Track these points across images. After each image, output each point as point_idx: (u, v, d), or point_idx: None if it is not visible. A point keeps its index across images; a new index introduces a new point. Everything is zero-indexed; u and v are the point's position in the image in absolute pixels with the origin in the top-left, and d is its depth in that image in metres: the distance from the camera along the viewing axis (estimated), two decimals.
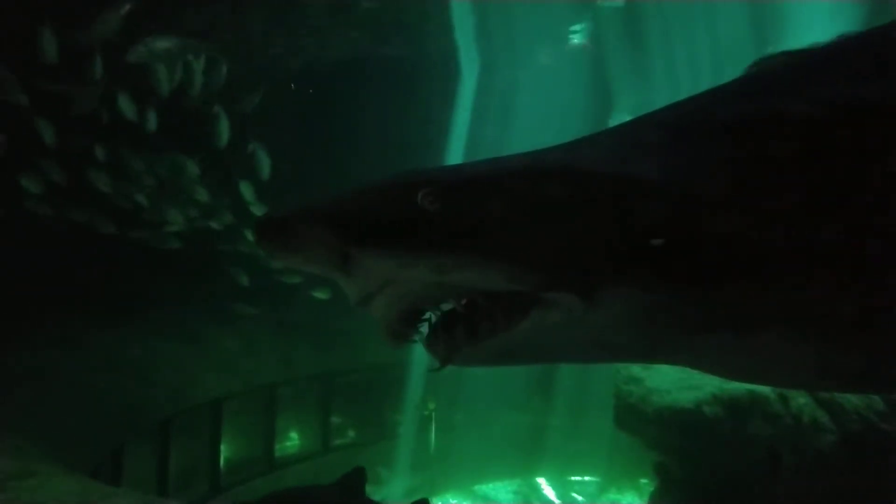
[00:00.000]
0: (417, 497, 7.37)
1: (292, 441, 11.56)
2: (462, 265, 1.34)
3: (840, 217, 1.26)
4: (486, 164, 1.57)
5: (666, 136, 1.46)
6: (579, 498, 12.62)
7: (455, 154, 13.09)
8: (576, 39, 14.22)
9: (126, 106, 7.38)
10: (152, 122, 7.63)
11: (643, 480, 11.47)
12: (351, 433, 12.11)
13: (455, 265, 1.34)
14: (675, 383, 7.28)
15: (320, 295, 9.76)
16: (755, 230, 1.29)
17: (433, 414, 12.53)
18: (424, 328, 1.51)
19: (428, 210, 1.37)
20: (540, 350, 1.50)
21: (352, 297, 1.51)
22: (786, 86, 1.48)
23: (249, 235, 9.21)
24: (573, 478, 13.19)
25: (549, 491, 13.04)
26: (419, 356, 10.53)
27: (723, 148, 1.36)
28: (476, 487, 12.97)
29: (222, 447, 9.70)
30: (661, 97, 14.51)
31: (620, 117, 14.79)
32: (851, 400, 6.20)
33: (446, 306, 1.47)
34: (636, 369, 7.81)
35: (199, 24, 8.05)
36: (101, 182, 7.61)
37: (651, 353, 1.58)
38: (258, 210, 8.96)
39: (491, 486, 13.08)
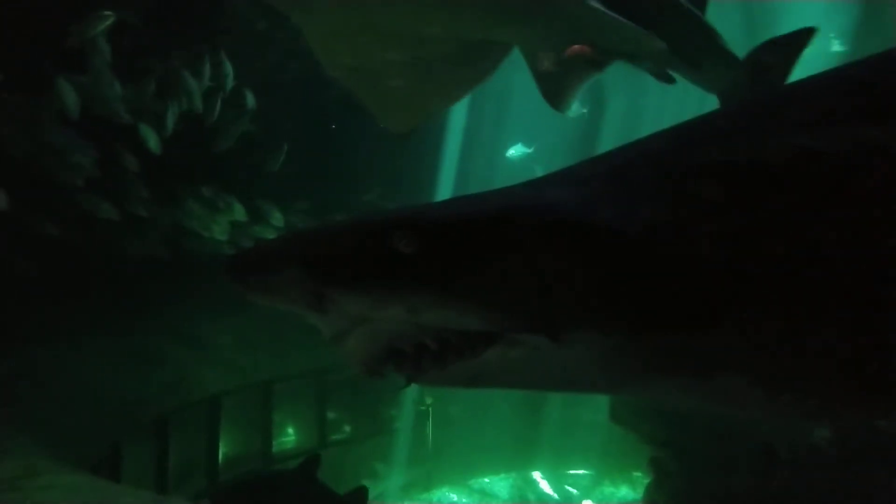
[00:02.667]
0: (415, 491, 7.57)
1: (289, 437, 11.58)
2: (435, 307, 1.38)
3: (791, 262, 1.31)
4: (460, 205, 1.60)
5: (632, 180, 1.50)
6: (574, 491, 12.75)
7: (451, 154, 13.13)
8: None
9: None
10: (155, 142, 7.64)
11: (636, 473, 11.60)
12: (347, 428, 12.15)
13: (428, 307, 1.38)
14: None
15: None
16: (710, 279, 1.34)
17: (430, 409, 12.61)
18: (397, 363, 1.52)
19: (402, 253, 1.40)
20: (504, 378, 1.54)
21: (325, 333, 1.54)
22: (739, 131, 1.52)
23: (249, 237, 9.29)
24: (568, 471, 13.32)
25: (544, 484, 13.16)
26: None
27: (688, 196, 1.41)
28: (472, 481, 13.07)
29: (220, 443, 9.73)
30: (652, 100, 14.63)
31: (612, 119, 14.89)
32: None
33: (419, 343, 1.49)
34: None
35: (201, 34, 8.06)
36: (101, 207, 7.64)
37: (616, 389, 1.64)
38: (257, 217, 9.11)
39: (487, 479, 13.18)
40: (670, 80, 5.20)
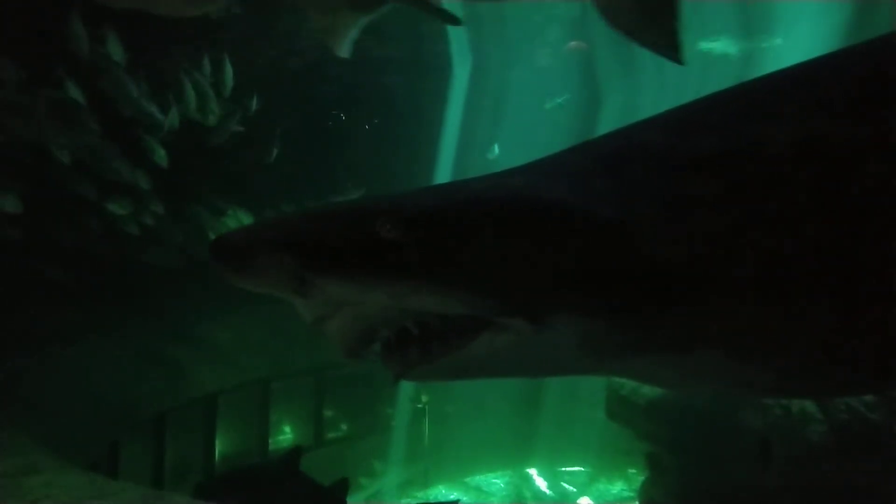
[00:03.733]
0: (412, 488, 7.69)
1: (286, 435, 11.61)
2: (417, 292, 1.41)
3: (765, 246, 1.36)
4: (443, 192, 1.64)
5: (609, 167, 1.55)
6: (570, 488, 12.81)
7: (448, 148, 13.15)
8: (566, 40, 14.35)
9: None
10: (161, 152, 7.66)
11: (632, 470, 11.68)
12: (344, 426, 12.18)
13: (410, 292, 1.41)
14: None
15: None
16: (686, 262, 1.39)
17: (426, 407, 12.64)
18: (378, 347, 1.55)
19: (386, 239, 1.42)
20: (491, 367, 1.57)
21: (307, 317, 1.56)
22: (719, 120, 1.56)
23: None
24: (564, 468, 13.38)
25: (540, 481, 13.21)
26: None
27: (661, 181, 1.46)
28: (469, 479, 13.12)
29: (217, 441, 9.74)
30: (649, 97, 14.66)
31: (608, 116, 14.93)
32: None
33: (400, 326, 1.52)
34: None
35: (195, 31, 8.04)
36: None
37: (597, 370, 1.67)
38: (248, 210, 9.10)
39: (483, 476, 13.24)
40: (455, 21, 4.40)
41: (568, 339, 1.44)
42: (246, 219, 9.19)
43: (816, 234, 1.34)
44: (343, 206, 1.62)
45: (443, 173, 13.18)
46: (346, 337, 1.54)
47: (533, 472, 13.46)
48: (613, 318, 1.41)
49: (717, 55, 14.04)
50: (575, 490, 12.70)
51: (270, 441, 10.66)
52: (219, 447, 9.80)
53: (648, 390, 7.60)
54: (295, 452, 6.77)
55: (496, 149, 14.55)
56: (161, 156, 7.57)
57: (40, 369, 7.07)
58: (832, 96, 1.46)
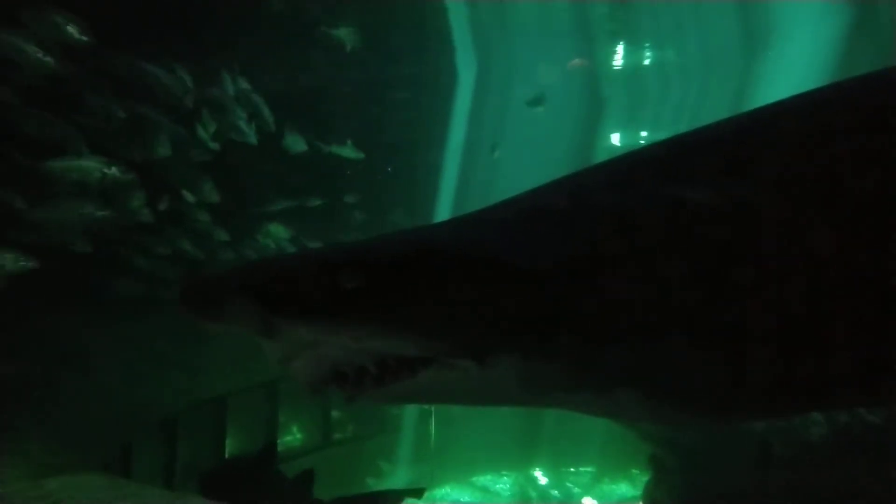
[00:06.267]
0: (418, 488, 8.08)
1: (294, 436, 11.72)
2: (376, 336, 1.56)
3: (673, 294, 1.51)
4: (402, 241, 1.79)
5: (545, 220, 1.70)
6: (574, 488, 12.89)
7: (452, 157, 13.26)
8: (570, 56, 14.48)
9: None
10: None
11: (635, 471, 11.75)
12: (351, 427, 12.28)
13: (370, 336, 1.56)
14: None
15: None
16: (608, 311, 1.54)
17: (432, 408, 12.73)
18: (340, 384, 1.68)
19: (347, 287, 1.56)
20: (438, 395, 1.73)
21: (273, 356, 1.69)
22: (663, 174, 1.71)
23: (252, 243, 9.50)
24: (568, 469, 13.46)
25: (545, 482, 13.30)
26: None
27: (587, 235, 1.61)
28: (474, 479, 13.21)
29: (226, 442, 9.86)
30: (651, 108, 14.76)
31: (610, 127, 15.01)
32: None
33: (360, 365, 1.65)
34: None
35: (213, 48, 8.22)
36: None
37: (539, 403, 1.82)
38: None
39: (489, 477, 13.33)
40: None
41: (509, 377, 1.59)
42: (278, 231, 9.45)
43: (722, 280, 1.49)
44: (309, 255, 1.76)
45: (449, 174, 13.33)
46: (309, 375, 1.68)
47: (538, 472, 13.55)
48: (545, 360, 1.57)
49: (719, 62, 14.09)
50: (579, 490, 12.79)
51: (279, 442, 10.77)
52: (228, 448, 9.91)
53: None
54: (269, 447, 7.94)
55: (498, 151, 14.72)
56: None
57: (56, 373, 7.21)
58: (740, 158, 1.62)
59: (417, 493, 7.76)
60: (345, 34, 9.03)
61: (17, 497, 3.80)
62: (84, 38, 6.17)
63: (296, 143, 9.21)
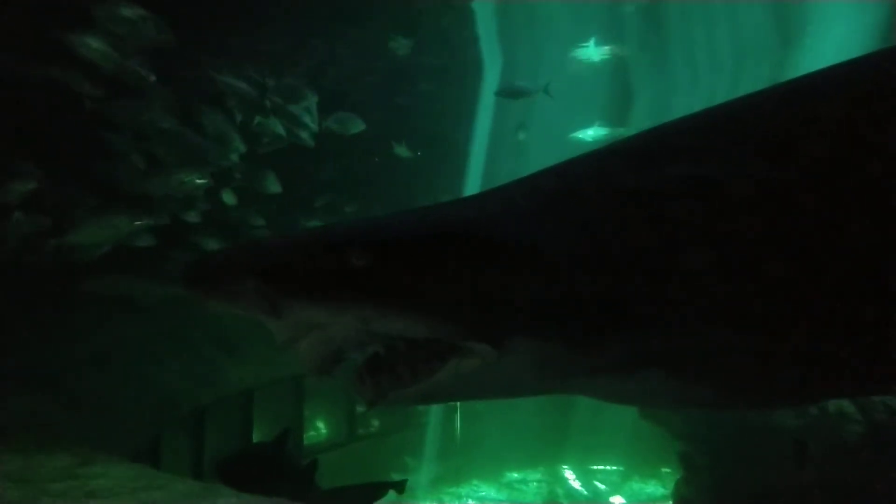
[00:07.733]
0: (444, 484, 8.20)
1: (319, 430, 11.79)
2: (385, 317, 1.49)
3: (693, 274, 1.47)
4: (413, 220, 1.72)
5: (562, 203, 1.64)
6: (602, 487, 12.79)
7: (479, 148, 13.24)
8: (598, 42, 14.36)
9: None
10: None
11: (665, 469, 11.62)
12: (376, 422, 12.31)
13: (378, 317, 1.49)
14: None
15: None
16: (628, 293, 1.49)
17: (458, 404, 12.71)
18: (347, 366, 1.63)
19: (355, 266, 1.50)
20: (458, 391, 1.67)
21: (279, 337, 1.64)
22: (669, 153, 1.67)
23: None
24: (597, 467, 13.37)
25: (572, 479, 13.21)
26: None
27: (606, 216, 1.56)
28: (501, 476, 13.16)
29: (254, 435, 9.95)
30: (681, 97, 14.58)
31: (639, 115, 14.88)
32: None
33: (369, 349, 1.60)
34: None
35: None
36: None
37: (558, 389, 1.77)
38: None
39: (516, 474, 13.27)
40: None
41: (528, 363, 1.53)
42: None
43: (743, 259, 1.45)
44: (315, 233, 1.73)
45: (475, 167, 13.33)
46: (315, 356, 1.63)
47: (566, 470, 13.47)
48: (566, 343, 1.51)
49: (752, 52, 13.87)
50: (607, 489, 12.69)
51: (304, 436, 10.84)
52: (256, 441, 10.00)
53: None
54: (284, 434, 8.42)
55: (524, 133, 14.65)
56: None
57: (88, 365, 7.32)
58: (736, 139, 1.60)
59: (398, 486, 8.14)
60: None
61: (53, 487, 3.85)
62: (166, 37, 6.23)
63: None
